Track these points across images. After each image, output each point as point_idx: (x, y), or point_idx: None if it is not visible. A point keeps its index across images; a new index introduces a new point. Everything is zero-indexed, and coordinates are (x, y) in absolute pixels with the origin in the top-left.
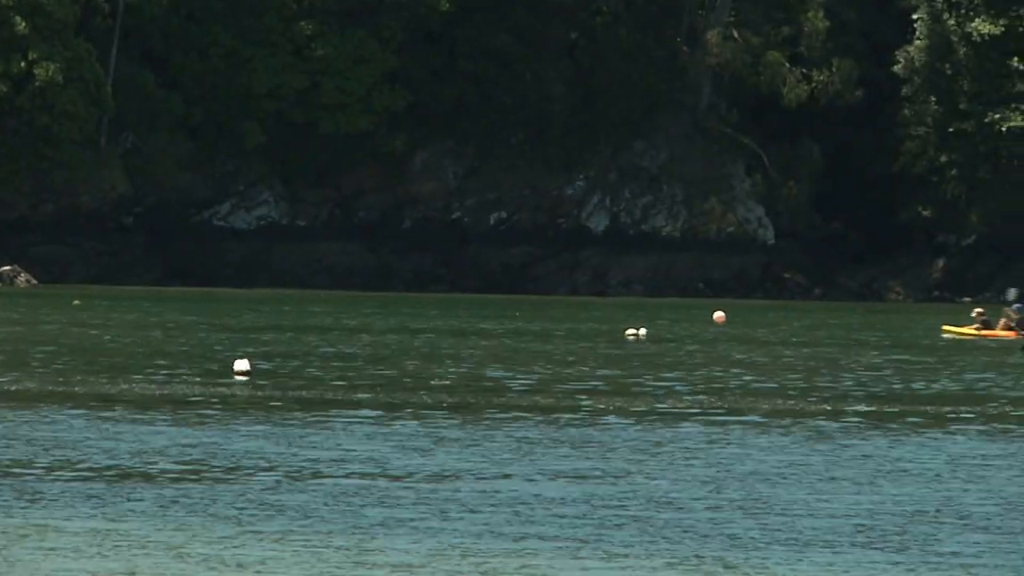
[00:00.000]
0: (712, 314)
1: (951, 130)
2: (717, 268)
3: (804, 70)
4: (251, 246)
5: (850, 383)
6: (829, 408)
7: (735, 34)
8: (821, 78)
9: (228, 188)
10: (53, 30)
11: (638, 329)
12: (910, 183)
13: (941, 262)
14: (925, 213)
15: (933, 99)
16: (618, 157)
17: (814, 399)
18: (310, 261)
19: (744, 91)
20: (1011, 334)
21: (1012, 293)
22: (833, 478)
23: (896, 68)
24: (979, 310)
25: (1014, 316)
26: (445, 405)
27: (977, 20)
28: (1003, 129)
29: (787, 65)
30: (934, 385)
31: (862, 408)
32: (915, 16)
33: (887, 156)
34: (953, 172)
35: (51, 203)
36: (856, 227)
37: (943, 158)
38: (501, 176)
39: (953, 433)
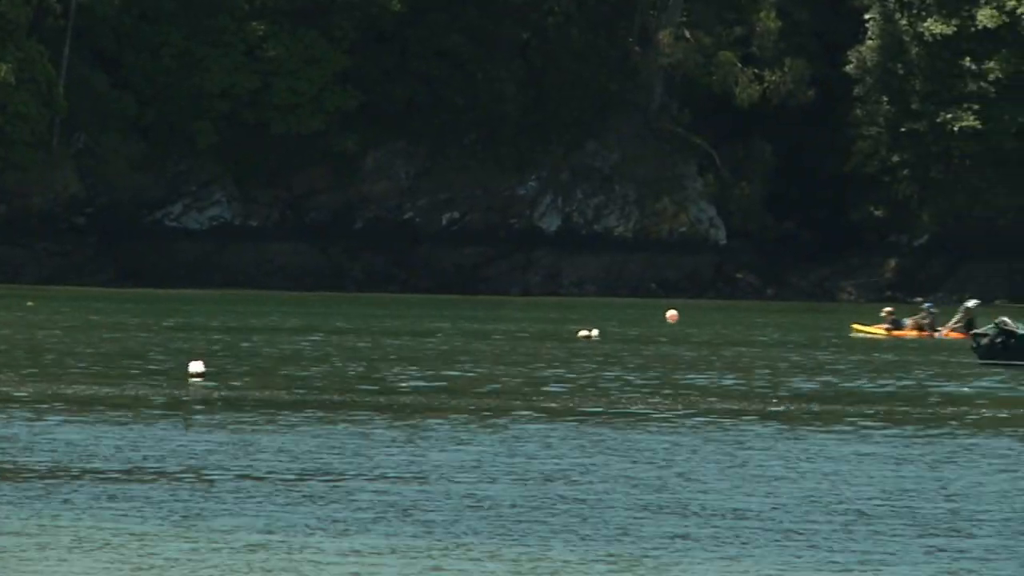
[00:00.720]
0: (664, 313)
1: (903, 130)
2: (669, 268)
3: (756, 70)
4: (203, 246)
5: (743, 382)
6: (741, 407)
7: (687, 34)
8: (773, 78)
9: (180, 188)
10: (5, 31)
11: (591, 330)
12: (862, 183)
13: (893, 262)
14: (877, 213)
15: (885, 99)
16: (570, 157)
17: (734, 398)
18: (262, 261)
19: (696, 91)
20: (921, 334)
21: (972, 303)
22: (754, 476)
23: (848, 68)
24: (888, 309)
25: (925, 317)
26: (387, 405)
27: (929, 20)
28: (955, 129)
29: (739, 65)
30: (849, 383)
31: (777, 407)
32: (867, 16)
33: (839, 156)
34: (905, 172)
35: (3, 204)
36: (808, 227)
37: (895, 158)
38: (453, 176)
39: (861, 431)
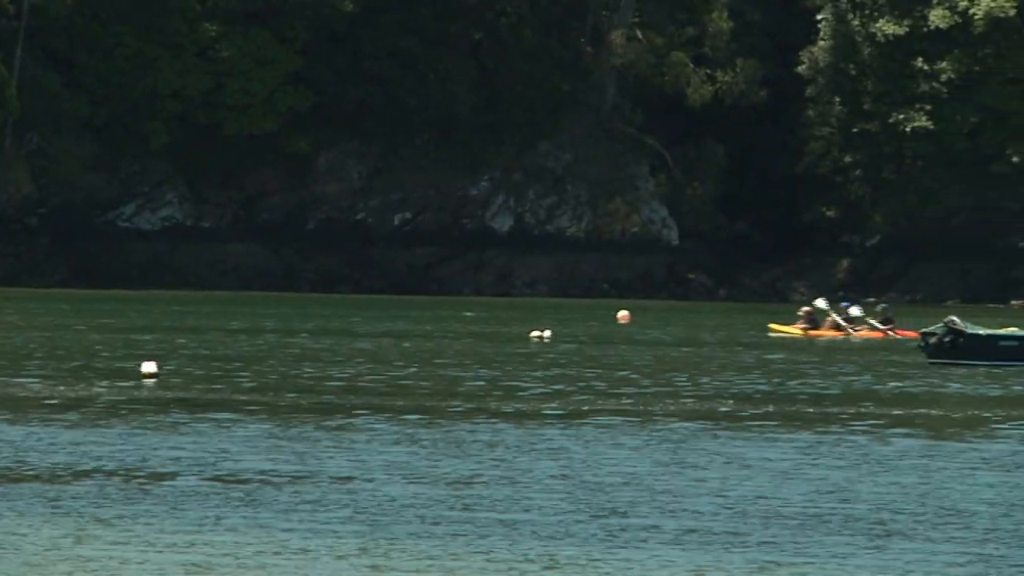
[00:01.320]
0: (616, 314)
1: (855, 130)
2: (622, 269)
3: (708, 70)
4: (156, 247)
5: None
6: (681, 408)
7: (639, 35)
8: (725, 78)
9: (133, 189)
10: None
11: (543, 331)
12: (814, 183)
13: (845, 262)
14: (829, 213)
15: (837, 99)
16: (523, 158)
17: (672, 399)
18: (215, 262)
19: (648, 91)
20: (838, 333)
21: (854, 309)
22: (683, 477)
23: (800, 68)
24: (806, 309)
25: (841, 316)
26: (330, 406)
27: (881, 20)
28: (907, 129)
29: (691, 65)
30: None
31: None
32: (819, 16)
33: (791, 156)
34: (857, 172)
35: None
36: (760, 227)
37: (847, 158)
38: (405, 177)
39: (804, 431)
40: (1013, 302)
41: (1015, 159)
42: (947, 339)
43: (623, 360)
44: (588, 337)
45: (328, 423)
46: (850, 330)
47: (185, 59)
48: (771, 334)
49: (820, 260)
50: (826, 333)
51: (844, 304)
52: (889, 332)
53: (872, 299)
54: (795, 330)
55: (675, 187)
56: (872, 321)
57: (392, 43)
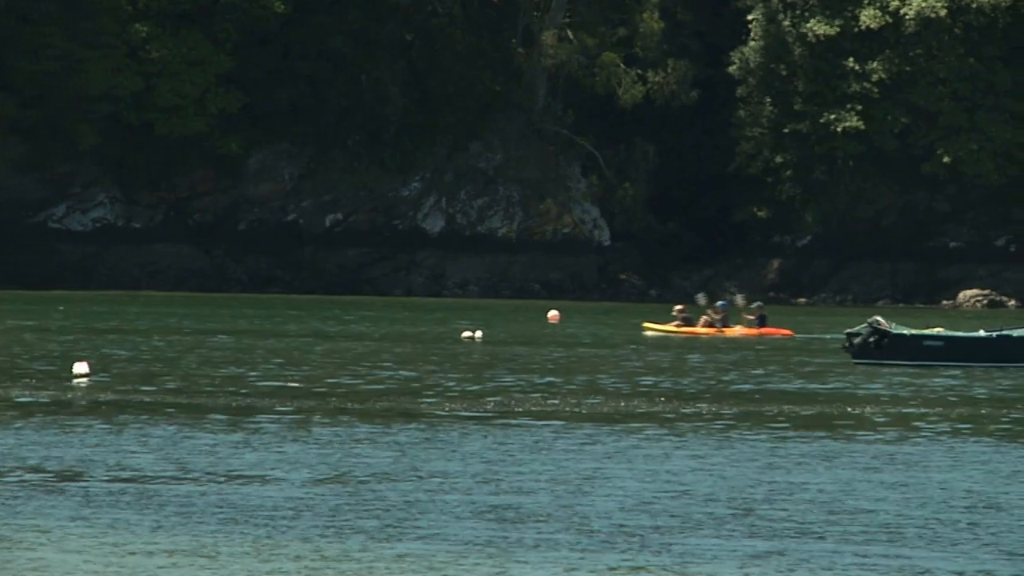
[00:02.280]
0: (546, 314)
1: (786, 131)
2: (553, 269)
3: (639, 71)
4: (86, 248)
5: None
6: (598, 408)
7: (570, 35)
8: (656, 79)
9: (63, 190)
10: None
11: (474, 331)
12: (745, 184)
13: (776, 262)
14: (760, 214)
15: (768, 100)
16: (454, 158)
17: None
18: (146, 263)
19: (580, 92)
20: (711, 331)
21: (701, 297)
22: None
23: (731, 69)
24: (679, 307)
25: (716, 315)
26: (258, 408)
27: (812, 21)
28: (838, 130)
29: (622, 66)
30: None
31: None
32: (750, 17)
33: (722, 157)
34: (788, 173)
35: None
36: (692, 228)
37: (778, 159)
38: (337, 177)
39: (720, 431)
40: (943, 302)
41: (946, 159)
42: (871, 339)
43: (539, 360)
44: (510, 336)
45: (237, 423)
46: (720, 327)
47: (115, 60)
48: (646, 332)
49: (751, 260)
50: (700, 331)
51: (719, 304)
52: (763, 330)
53: (803, 299)
54: (670, 328)
55: (606, 188)
56: (749, 317)
57: (323, 44)
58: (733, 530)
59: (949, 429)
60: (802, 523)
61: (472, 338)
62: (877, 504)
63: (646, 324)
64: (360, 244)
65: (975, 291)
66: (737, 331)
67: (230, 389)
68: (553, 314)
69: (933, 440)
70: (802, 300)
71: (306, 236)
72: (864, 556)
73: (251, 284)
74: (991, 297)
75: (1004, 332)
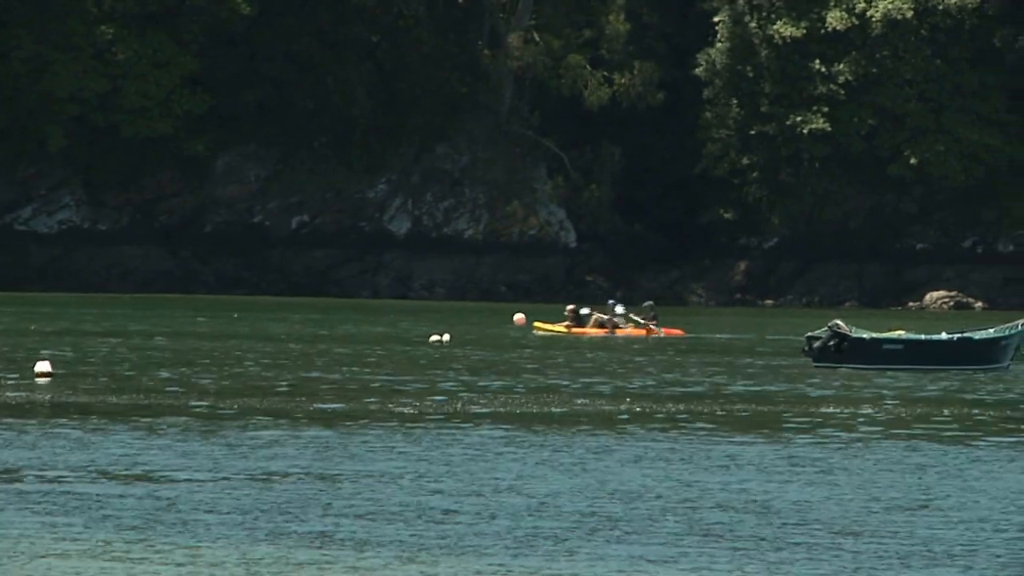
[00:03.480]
0: (512, 317)
1: (752, 132)
2: (520, 271)
3: (605, 73)
4: (53, 250)
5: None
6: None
7: (536, 37)
8: (622, 81)
9: (30, 192)
10: None
11: (442, 334)
12: (712, 185)
13: (743, 264)
14: (727, 216)
15: (734, 101)
16: (420, 160)
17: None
18: (112, 265)
19: (546, 94)
20: (601, 331)
21: (619, 307)
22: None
23: (697, 70)
24: (571, 307)
25: (607, 315)
26: (217, 409)
27: (779, 22)
28: (804, 131)
29: (588, 68)
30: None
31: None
32: (717, 19)
33: (689, 159)
34: (755, 174)
35: None
36: (658, 230)
37: (744, 160)
38: (303, 179)
39: (670, 431)
40: (910, 304)
41: (912, 161)
42: (831, 343)
43: (497, 362)
44: (472, 339)
45: (156, 424)
46: (611, 327)
47: (82, 62)
48: (536, 332)
49: (718, 262)
50: (590, 331)
51: (610, 302)
52: (654, 330)
53: (770, 301)
54: (560, 328)
55: (573, 189)
56: (636, 318)
57: (289, 45)
58: (659, 531)
59: (863, 431)
60: (731, 524)
61: (440, 341)
62: (812, 504)
63: (537, 324)
64: (327, 246)
65: (942, 293)
66: (629, 331)
67: (163, 390)
68: (519, 317)
69: (852, 440)
70: (769, 302)
71: (273, 238)
72: (809, 558)
73: (218, 286)
74: (958, 299)
75: (965, 335)
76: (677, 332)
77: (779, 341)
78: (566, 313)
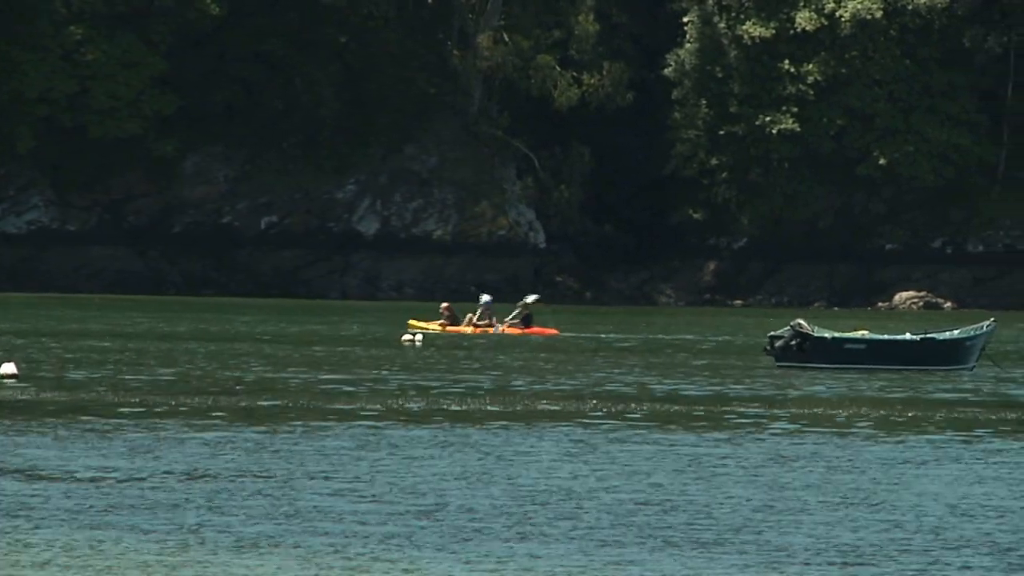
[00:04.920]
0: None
1: (722, 133)
2: (489, 271)
3: (575, 73)
4: (21, 251)
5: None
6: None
7: (505, 37)
8: (592, 81)
9: None
10: None
11: (414, 335)
12: (681, 186)
13: (712, 265)
14: (696, 216)
15: (704, 102)
16: (389, 160)
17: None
18: (81, 265)
19: (515, 94)
20: (476, 329)
21: (531, 298)
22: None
23: (667, 71)
24: (445, 305)
25: (482, 311)
26: (171, 409)
27: (748, 23)
28: (774, 132)
29: (558, 68)
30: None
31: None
32: (686, 19)
33: (658, 159)
34: (724, 175)
35: None
36: (627, 230)
37: (714, 161)
38: (272, 180)
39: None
40: (880, 304)
41: (881, 161)
42: (793, 342)
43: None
44: (464, 339)
45: (99, 424)
46: (484, 326)
47: (51, 62)
48: (411, 331)
49: (687, 263)
50: (465, 329)
51: (484, 300)
52: (528, 329)
53: (739, 301)
54: (434, 326)
55: (542, 190)
56: (508, 319)
57: (257, 46)
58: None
59: (801, 428)
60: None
61: (412, 342)
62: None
63: (411, 322)
64: (295, 246)
65: (911, 293)
66: (503, 329)
67: (103, 389)
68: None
69: (791, 440)
70: (738, 302)
71: (241, 238)
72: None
73: (186, 286)
74: (927, 299)
75: (929, 335)
76: (552, 332)
77: (722, 341)
78: (441, 311)
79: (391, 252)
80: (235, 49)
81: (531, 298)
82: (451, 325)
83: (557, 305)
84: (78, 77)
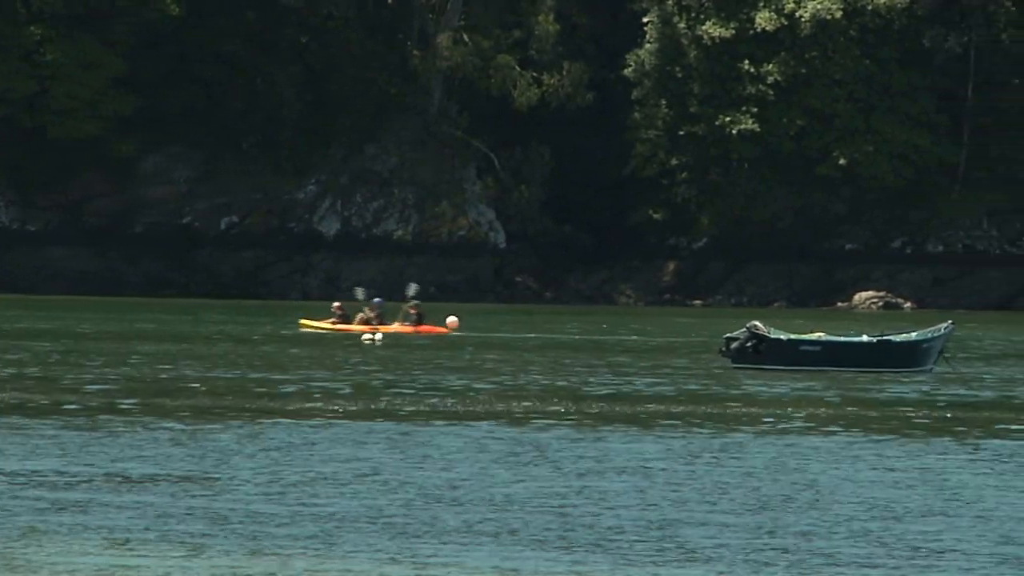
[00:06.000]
0: (446, 320)
1: (682, 133)
2: (449, 272)
3: (535, 73)
4: None
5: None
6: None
7: (466, 37)
8: (552, 81)
9: None
10: None
11: (374, 333)
12: (641, 186)
13: (672, 265)
14: (656, 216)
15: (664, 102)
16: (350, 161)
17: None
18: (40, 266)
19: (475, 94)
20: (367, 328)
21: (412, 288)
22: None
23: (627, 71)
24: (337, 304)
25: (372, 312)
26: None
27: (708, 23)
28: (733, 132)
29: (518, 68)
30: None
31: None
32: (646, 19)
33: (618, 159)
34: (684, 175)
35: None
36: (587, 230)
37: (674, 161)
38: (232, 180)
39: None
40: (839, 304)
41: (841, 161)
42: (749, 344)
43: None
44: (421, 340)
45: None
46: (376, 323)
47: (10, 63)
48: (302, 329)
49: (647, 263)
50: (356, 328)
51: (375, 300)
52: (419, 328)
53: (699, 301)
54: (326, 325)
55: (502, 190)
56: (400, 318)
57: (217, 47)
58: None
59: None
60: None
61: (372, 340)
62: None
63: (302, 321)
64: (255, 246)
65: (871, 293)
66: (394, 328)
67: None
68: (452, 320)
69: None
70: (698, 302)
71: (201, 239)
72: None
73: (147, 287)
74: (887, 299)
75: (885, 337)
76: (442, 330)
77: (664, 342)
78: (333, 309)
79: (352, 252)
80: (195, 49)
81: (412, 289)
82: (343, 324)
83: (517, 304)
84: (37, 77)
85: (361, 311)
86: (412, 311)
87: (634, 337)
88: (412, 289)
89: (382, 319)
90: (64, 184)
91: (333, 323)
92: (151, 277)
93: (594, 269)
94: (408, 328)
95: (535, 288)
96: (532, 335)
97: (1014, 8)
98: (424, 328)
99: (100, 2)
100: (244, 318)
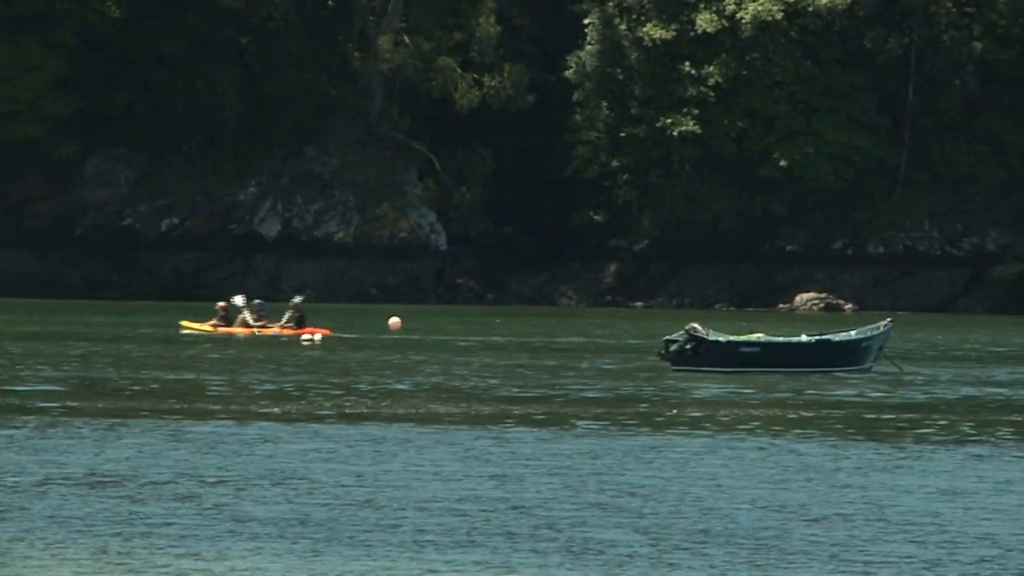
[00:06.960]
0: (388, 320)
1: (623, 135)
2: (390, 274)
3: (476, 75)
4: None
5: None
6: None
7: (406, 39)
8: (493, 83)
9: None
10: None
11: (313, 333)
12: (582, 188)
13: (613, 266)
14: (597, 218)
15: (605, 104)
16: (290, 163)
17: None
18: None
19: (416, 96)
20: (248, 330)
21: (297, 298)
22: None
23: (568, 73)
24: (221, 304)
25: (253, 314)
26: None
27: (649, 25)
28: (675, 133)
29: (459, 70)
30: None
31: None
32: (587, 21)
33: (559, 161)
34: (625, 177)
35: None
36: (529, 232)
37: (615, 163)
38: (173, 182)
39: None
40: (780, 305)
41: (782, 163)
42: (688, 346)
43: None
44: (367, 340)
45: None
46: (256, 327)
47: None
48: (183, 331)
49: (588, 264)
50: (237, 330)
51: (256, 302)
52: (301, 330)
53: (640, 303)
54: (207, 327)
55: (443, 192)
56: (283, 320)
57: (158, 48)
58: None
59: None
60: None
61: (311, 340)
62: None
63: (183, 323)
64: (196, 248)
65: (812, 294)
66: (274, 330)
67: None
68: (394, 321)
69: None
70: (639, 304)
71: (142, 241)
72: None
73: (88, 289)
74: (828, 300)
75: (824, 337)
76: (325, 332)
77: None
78: (217, 309)
79: (293, 254)
80: (136, 51)
81: (298, 299)
82: (224, 326)
83: (459, 306)
84: None
85: (241, 312)
86: (293, 311)
87: (574, 338)
88: (297, 299)
89: (263, 320)
90: (4, 186)
91: (214, 325)
92: (92, 279)
93: (535, 271)
94: (289, 330)
95: (477, 290)
96: (473, 337)
97: (955, 9)
98: (305, 330)
99: (41, 4)
100: (172, 319)
